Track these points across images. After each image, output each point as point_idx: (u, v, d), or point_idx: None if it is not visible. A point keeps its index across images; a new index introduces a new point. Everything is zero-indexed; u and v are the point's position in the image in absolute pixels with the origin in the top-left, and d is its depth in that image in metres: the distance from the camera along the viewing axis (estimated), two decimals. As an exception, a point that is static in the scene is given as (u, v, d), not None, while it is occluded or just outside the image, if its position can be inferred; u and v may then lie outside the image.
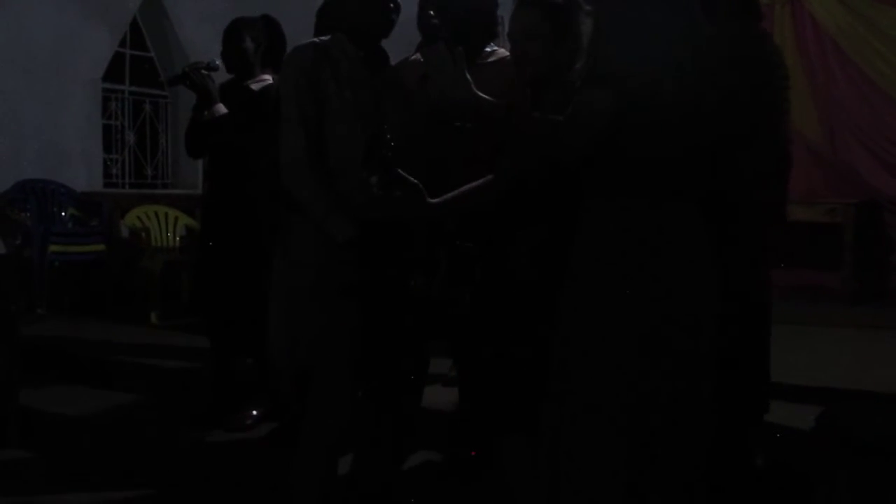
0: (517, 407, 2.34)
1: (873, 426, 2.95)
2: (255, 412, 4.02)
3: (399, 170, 2.39)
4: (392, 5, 2.63)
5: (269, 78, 3.98)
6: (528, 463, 2.36)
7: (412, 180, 2.43)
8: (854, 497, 2.53)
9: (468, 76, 2.20)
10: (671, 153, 2.10)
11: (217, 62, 4.03)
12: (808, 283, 6.15)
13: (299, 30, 3.84)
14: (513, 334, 2.35)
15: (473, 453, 3.36)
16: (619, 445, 2.08)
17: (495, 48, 3.22)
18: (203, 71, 3.91)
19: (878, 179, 6.44)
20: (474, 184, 2.47)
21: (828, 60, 6.58)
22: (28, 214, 6.35)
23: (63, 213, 6.64)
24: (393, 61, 3.20)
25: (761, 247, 2.91)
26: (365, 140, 2.51)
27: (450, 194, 2.49)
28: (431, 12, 3.25)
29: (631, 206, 2.10)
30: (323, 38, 2.75)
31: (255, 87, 3.98)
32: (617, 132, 2.06)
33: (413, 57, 3.21)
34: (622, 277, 2.08)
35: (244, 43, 3.97)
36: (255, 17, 4.08)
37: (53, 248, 6.32)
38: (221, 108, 3.87)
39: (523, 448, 2.38)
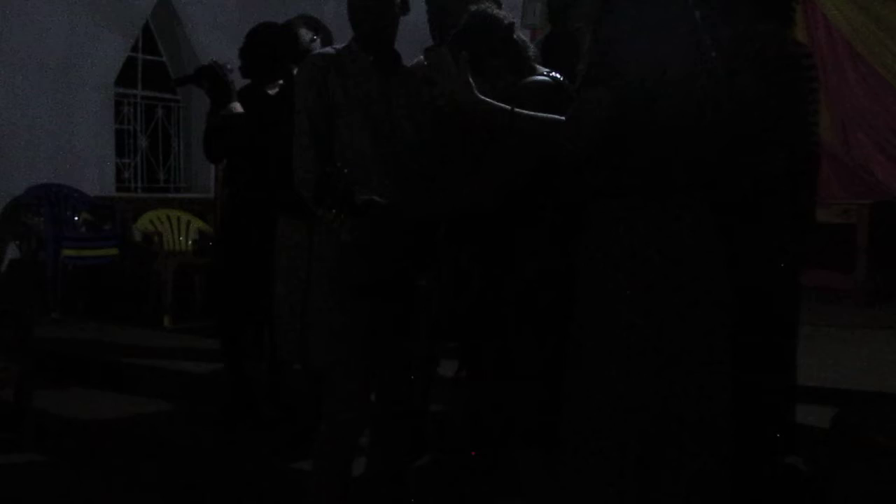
0: (529, 420, 2.34)
1: (888, 427, 2.93)
2: (270, 414, 4.02)
3: (358, 197, 2.38)
4: (398, 11, 2.64)
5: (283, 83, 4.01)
6: (542, 473, 2.36)
7: (373, 199, 2.40)
8: (868, 497, 2.52)
9: (471, 80, 2.20)
10: (678, 153, 2.10)
11: (229, 66, 4.04)
12: (822, 283, 6.11)
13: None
14: (519, 345, 2.34)
15: (473, 453, 3.36)
16: (629, 446, 2.08)
17: None
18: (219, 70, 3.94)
19: (893, 179, 6.41)
20: (446, 190, 2.47)
21: (840, 60, 6.55)
22: (41, 219, 6.38)
23: (76, 218, 6.66)
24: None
25: (784, 248, 2.87)
26: (316, 176, 2.50)
27: (431, 195, 2.50)
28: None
29: (637, 205, 2.10)
30: (336, 46, 2.76)
31: (270, 91, 4.00)
32: (620, 132, 2.06)
33: (415, 61, 3.22)
34: (630, 277, 2.08)
35: (265, 49, 3.97)
36: (278, 25, 4.09)
37: (67, 252, 6.35)
38: (237, 107, 3.89)
39: (536, 459, 2.37)
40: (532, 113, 2.18)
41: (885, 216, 6.11)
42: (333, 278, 2.63)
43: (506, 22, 2.45)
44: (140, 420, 4.32)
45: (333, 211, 2.36)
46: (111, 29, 7.13)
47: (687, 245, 2.10)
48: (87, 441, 4.02)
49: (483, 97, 2.20)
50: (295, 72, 3.52)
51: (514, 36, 2.45)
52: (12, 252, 6.44)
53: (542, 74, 2.41)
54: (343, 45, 2.76)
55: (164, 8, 7.64)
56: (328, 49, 2.82)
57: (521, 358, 2.33)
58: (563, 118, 2.11)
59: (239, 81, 4.05)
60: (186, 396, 4.56)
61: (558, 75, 2.43)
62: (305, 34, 3.73)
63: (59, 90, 6.73)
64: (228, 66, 4.04)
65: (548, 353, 2.26)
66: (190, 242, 6.81)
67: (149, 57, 7.87)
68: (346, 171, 2.34)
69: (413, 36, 3.34)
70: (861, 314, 5.64)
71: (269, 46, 3.94)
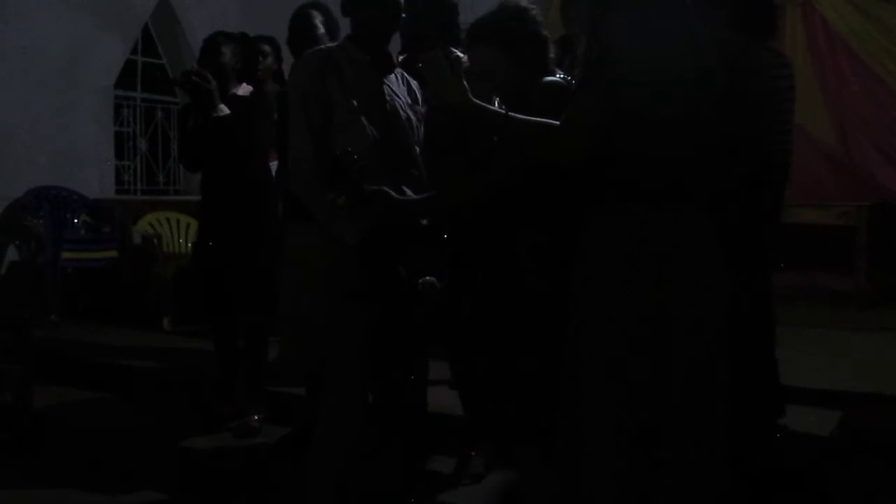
0: (528, 418, 2.34)
1: (891, 429, 2.94)
2: (256, 416, 4.02)
3: (367, 187, 2.38)
4: (396, 5, 2.63)
5: (249, 87, 4.03)
6: (542, 471, 2.36)
7: (383, 189, 2.41)
8: (873, 499, 2.52)
9: (465, 83, 2.20)
10: (674, 155, 2.10)
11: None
12: (821, 286, 6.11)
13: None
14: (520, 343, 2.34)
15: (473, 453, 3.35)
16: (625, 448, 2.07)
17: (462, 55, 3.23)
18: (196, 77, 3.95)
19: (891, 181, 6.40)
20: (451, 185, 2.47)
21: (839, 62, 6.55)
22: (41, 221, 6.38)
23: (76, 220, 6.66)
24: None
25: (755, 250, 2.90)
26: (328, 161, 2.50)
27: (425, 194, 2.50)
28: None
29: (633, 209, 2.09)
30: (330, 44, 2.76)
31: (241, 93, 4.02)
32: (614, 136, 2.05)
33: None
34: (626, 280, 2.07)
35: (223, 57, 4.01)
36: (235, 34, 4.12)
37: (66, 254, 6.34)
38: (224, 109, 3.90)
39: (536, 456, 2.37)
40: (527, 117, 2.18)
41: (885, 218, 6.11)
42: (331, 282, 2.62)
43: (538, 18, 2.44)
44: (139, 422, 4.32)
45: (343, 197, 2.35)
46: (111, 31, 7.13)
47: (683, 247, 2.09)
48: (86, 443, 4.01)
49: (476, 100, 2.20)
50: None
51: (543, 31, 2.44)
52: (12, 254, 6.44)
53: (555, 76, 2.41)
54: (334, 43, 2.74)
55: (163, 10, 7.64)
56: (322, 47, 2.81)
57: (521, 357, 2.33)
58: (557, 123, 2.11)
59: None
60: (185, 398, 4.55)
61: (570, 78, 2.43)
62: (320, 26, 3.72)
63: (59, 92, 6.74)
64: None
65: (546, 352, 2.26)
66: (189, 245, 6.79)
67: (148, 59, 7.88)
68: (356, 156, 2.34)
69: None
70: (860, 316, 5.64)
71: (222, 55, 3.98)
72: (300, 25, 3.72)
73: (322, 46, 2.83)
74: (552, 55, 2.47)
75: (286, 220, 3.71)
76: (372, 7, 2.63)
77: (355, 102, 2.60)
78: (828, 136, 6.59)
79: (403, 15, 2.70)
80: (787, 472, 2.99)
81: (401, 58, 3.36)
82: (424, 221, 2.62)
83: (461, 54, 2.41)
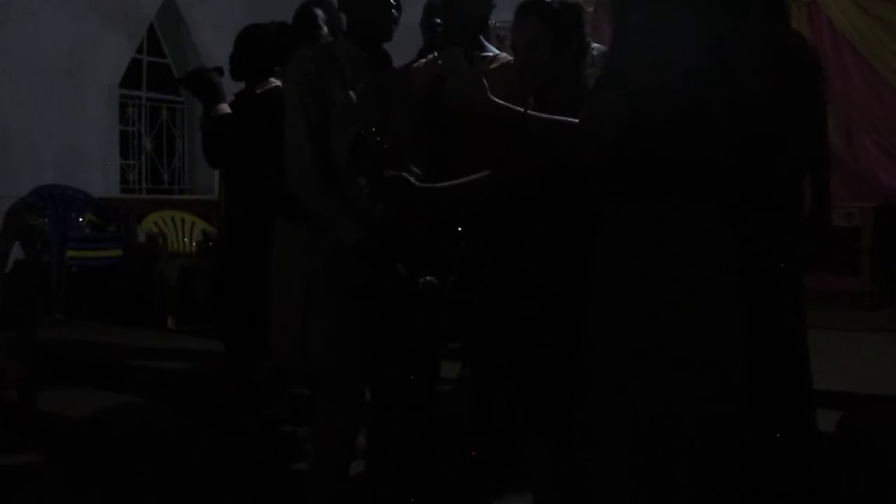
0: (538, 411, 2.34)
1: (894, 430, 2.92)
2: (272, 416, 4.02)
3: (389, 171, 2.38)
4: (392, 2, 2.62)
5: (275, 81, 3.99)
6: (550, 466, 2.35)
7: (403, 175, 2.41)
8: (875, 501, 2.51)
9: (484, 81, 2.19)
10: (690, 155, 2.09)
11: (222, 68, 4.02)
12: (826, 287, 6.09)
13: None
14: (530, 336, 2.34)
15: (474, 454, 3.35)
16: (637, 447, 2.07)
17: (497, 53, 3.22)
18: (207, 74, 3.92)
19: (897, 182, 6.41)
20: (472, 176, 2.46)
21: (845, 62, 6.54)
22: (46, 220, 6.39)
23: (80, 219, 6.67)
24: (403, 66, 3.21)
25: (791, 250, 2.87)
26: (350, 140, 2.48)
27: (446, 183, 2.49)
28: (437, 20, 3.25)
29: (649, 207, 2.09)
30: (327, 40, 2.73)
31: (259, 90, 4.00)
32: (632, 134, 2.05)
33: (417, 63, 3.21)
34: (642, 279, 2.07)
35: (255, 52, 3.98)
36: (266, 25, 4.08)
37: (71, 253, 6.36)
38: (224, 108, 3.87)
39: (544, 451, 2.37)
40: (546, 115, 2.18)
41: (890, 219, 6.10)
42: (328, 281, 2.61)
43: (587, 20, 2.42)
44: (143, 421, 4.32)
45: (364, 179, 2.33)
46: (116, 31, 7.14)
47: (698, 248, 2.08)
48: (91, 442, 4.02)
49: (496, 99, 2.19)
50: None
51: (588, 33, 2.44)
52: (17, 252, 6.45)
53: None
54: (330, 40, 2.71)
55: (168, 10, 7.65)
56: (320, 43, 2.78)
57: (531, 351, 2.33)
58: (576, 121, 2.10)
59: (237, 85, 4.06)
60: (189, 398, 4.56)
61: None
62: (323, 26, 3.68)
63: (64, 92, 6.75)
64: (222, 69, 4.03)
65: (558, 347, 2.26)
66: (194, 244, 6.82)
67: (153, 59, 7.89)
68: (378, 138, 2.33)
69: (414, 38, 3.34)
70: (866, 317, 5.63)
71: (252, 49, 3.94)
72: (304, 23, 3.69)
73: (320, 42, 2.80)
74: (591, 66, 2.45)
75: (274, 217, 3.69)
76: (368, 3, 2.61)
77: (354, 98, 2.58)
78: (833, 136, 6.56)
79: (395, 12, 2.66)
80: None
81: (430, 56, 3.36)
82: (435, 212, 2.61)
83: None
